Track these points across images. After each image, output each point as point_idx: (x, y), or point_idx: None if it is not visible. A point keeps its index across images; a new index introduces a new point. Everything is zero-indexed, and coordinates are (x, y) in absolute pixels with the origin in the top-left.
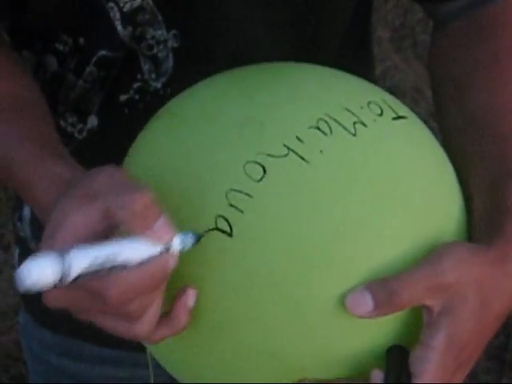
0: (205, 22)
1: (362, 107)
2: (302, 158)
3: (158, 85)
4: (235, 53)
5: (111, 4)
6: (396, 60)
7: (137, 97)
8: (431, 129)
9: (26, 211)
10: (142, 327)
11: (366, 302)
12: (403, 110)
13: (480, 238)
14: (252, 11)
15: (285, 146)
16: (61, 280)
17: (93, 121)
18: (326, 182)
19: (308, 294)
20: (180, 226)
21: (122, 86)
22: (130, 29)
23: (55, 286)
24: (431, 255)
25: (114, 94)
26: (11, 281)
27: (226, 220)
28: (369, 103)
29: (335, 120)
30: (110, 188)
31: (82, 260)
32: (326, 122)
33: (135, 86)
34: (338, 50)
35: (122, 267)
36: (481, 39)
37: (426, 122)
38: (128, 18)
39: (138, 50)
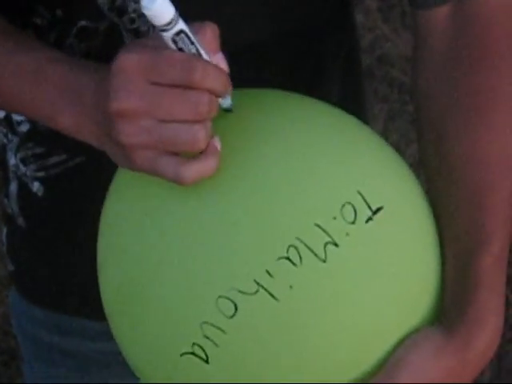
0: None
1: (334, 217)
2: (272, 296)
3: None
4: (219, 24)
5: None
6: (385, 29)
7: None
8: None
9: (13, 187)
10: (203, 130)
11: None
12: (385, 192)
13: (448, 310)
14: None
15: (255, 281)
16: (171, 22)
17: None
18: (295, 319)
19: None
20: (156, 348)
21: (105, 61)
22: None
23: (166, 28)
24: (389, 367)
25: None
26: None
27: (202, 349)
28: (342, 206)
29: (306, 245)
30: None
31: (183, 23)
32: (296, 248)
33: None
34: (320, 31)
35: None
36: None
37: None
38: None
39: (120, 24)
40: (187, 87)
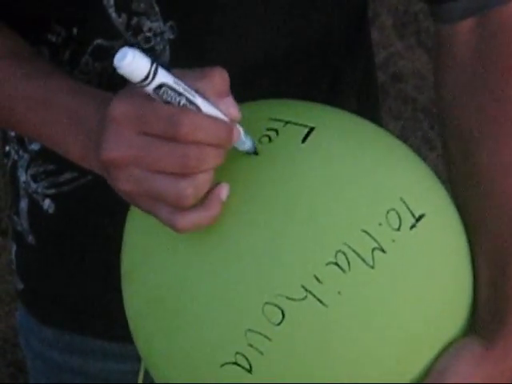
0: (202, 13)
1: (380, 224)
2: (321, 302)
3: None
4: (232, 44)
5: None
6: (399, 47)
7: None
8: (434, 117)
9: (23, 204)
10: (190, 186)
11: None
12: (425, 200)
13: (485, 321)
14: (249, 3)
15: (303, 287)
16: (147, 78)
17: None
18: (344, 325)
19: None
20: (194, 360)
21: (119, 80)
22: (124, 16)
23: (142, 84)
24: (435, 372)
25: (111, 88)
26: (9, 266)
27: (246, 358)
28: (388, 213)
29: (354, 251)
30: (188, 71)
31: (166, 75)
32: (345, 254)
33: None
34: (338, 47)
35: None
36: (489, 72)
37: (428, 108)
38: (122, 4)
39: (135, 43)
40: (174, 140)
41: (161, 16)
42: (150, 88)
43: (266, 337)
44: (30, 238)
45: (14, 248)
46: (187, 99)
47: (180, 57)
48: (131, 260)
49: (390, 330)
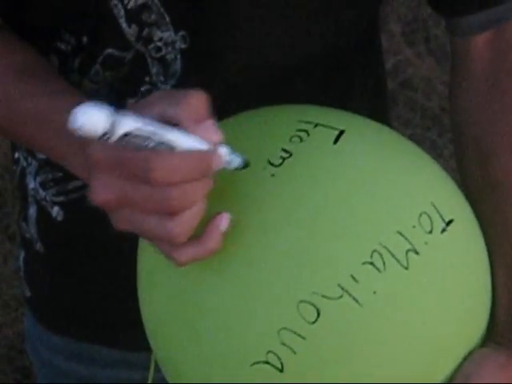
0: (213, 22)
1: (413, 226)
2: (356, 301)
3: (167, 87)
4: (245, 53)
5: (115, 1)
6: (408, 54)
7: None
8: (443, 126)
9: (32, 211)
10: (177, 225)
11: None
12: (452, 206)
13: (505, 330)
14: (261, 11)
15: (339, 286)
16: (109, 132)
17: None
18: (378, 325)
19: None
20: (229, 360)
21: (129, 90)
22: (135, 27)
23: (102, 138)
24: (461, 376)
25: (121, 98)
26: (16, 272)
27: (278, 357)
28: (420, 216)
29: (389, 251)
30: (164, 96)
31: (131, 120)
32: (380, 254)
33: (143, 89)
34: (350, 52)
35: (169, 149)
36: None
37: (437, 116)
38: (132, 15)
39: (145, 52)
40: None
41: (172, 26)
42: (113, 140)
43: (299, 335)
44: (39, 246)
45: (22, 255)
46: (156, 141)
47: (192, 66)
48: (152, 260)
49: (422, 331)
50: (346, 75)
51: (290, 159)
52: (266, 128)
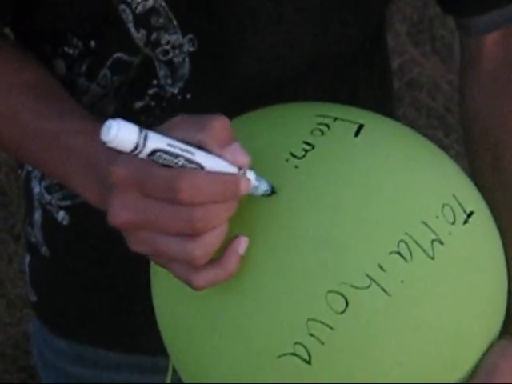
0: (221, 25)
1: (437, 216)
2: (384, 290)
3: (175, 90)
4: (253, 54)
5: (123, 6)
6: (414, 54)
7: (152, 103)
8: (448, 125)
9: (37, 215)
10: (198, 247)
11: None
12: (472, 199)
13: None
14: (269, 11)
15: (367, 275)
16: (140, 146)
17: None
18: (407, 315)
19: None
20: (255, 354)
21: (136, 93)
22: (143, 32)
23: (133, 153)
24: (482, 371)
25: (128, 101)
26: (21, 272)
27: (305, 348)
28: (443, 207)
29: (415, 241)
30: (186, 120)
31: (159, 139)
32: (406, 244)
33: (150, 92)
34: (357, 52)
35: (196, 168)
36: None
37: (442, 116)
38: (141, 20)
39: (153, 55)
40: (176, 204)
41: (179, 29)
42: (143, 155)
43: (328, 326)
44: (44, 250)
45: (28, 259)
46: (185, 159)
47: (200, 69)
48: None
49: (448, 321)
50: (353, 76)
51: (313, 151)
52: (286, 122)
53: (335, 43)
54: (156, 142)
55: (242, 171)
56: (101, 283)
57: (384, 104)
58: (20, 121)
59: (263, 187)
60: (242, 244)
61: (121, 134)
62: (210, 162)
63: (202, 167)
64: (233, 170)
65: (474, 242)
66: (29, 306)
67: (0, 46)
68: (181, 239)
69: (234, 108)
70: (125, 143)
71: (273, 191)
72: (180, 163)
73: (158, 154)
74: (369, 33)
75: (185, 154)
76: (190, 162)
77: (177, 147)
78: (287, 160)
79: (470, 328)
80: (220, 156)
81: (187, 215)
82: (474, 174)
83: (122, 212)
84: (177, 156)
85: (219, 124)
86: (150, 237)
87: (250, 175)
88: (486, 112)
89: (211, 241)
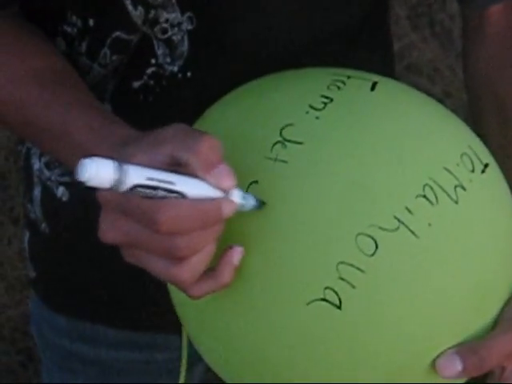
0: (220, 2)
1: (457, 164)
2: (413, 233)
3: (175, 68)
4: (253, 32)
5: None
6: (413, 38)
7: (152, 82)
8: (446, 106)
9: (37, 191)
10: (184, 271)
11: (456, 366)
12: (486, 152)
13: None
14: None
15: (395, 218)
16: (117, 183)
17: (106, 108)
18: (435, 257)
19: (408, 362)
20: (283, 301)
21: (134, 72)
22: (141, 9)
23: (111, 189)
24: (505, 320)
25: (126, 80)
26: (20, 254)
27: (336, 293)
28: (461, 156)
29: (439, 186)
30: (177, 135)
31: (139, 172)
32: (431, 188)
33: (149, 71)
34: (358, 33)
35: (177, 197)
36: None
37: (441, 100)
38: None
39: (151, 34)
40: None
41: (178, 7)
42: (124, 191)
43: (358, 269)
44: (44, 226)
45: (27, 236)
46: (166, 190)
47: (199, 47)
48: None
49: (474, 264)
50: (354, 58)
51: (332, 103)
52: (300, 80)
53: (336, 19)
54: (135, 177)
55: (226, 193)
56: (100, 259)
57: None
58: (27, 108)
59: (251, 203)
60: (236, 255)
61: (97, 173)
62: (193, 188)
63: (183, 196)
64: (217, 194)
65: (492, 190)
66: (28, 288)
67: (12, 27)
68: (167, 262)
69: (235, 84)
70: (102, 182)
71: (261, 205)
72: (160, 194)
73: (138, 189)
74: (369, 12)
75: (165, 186)
76: (171, 191)
77: (155, 180)
78: (307, 112)
79: (494, 273)
80: (204, 180)
81: (170, 244)
82: (481, 131)
83: (109, 232)
84: (156, 188)
85: (207, 145)
86: (138, 254)
87: (236, 195)
88: (495, 78)
89: (197, 264)
